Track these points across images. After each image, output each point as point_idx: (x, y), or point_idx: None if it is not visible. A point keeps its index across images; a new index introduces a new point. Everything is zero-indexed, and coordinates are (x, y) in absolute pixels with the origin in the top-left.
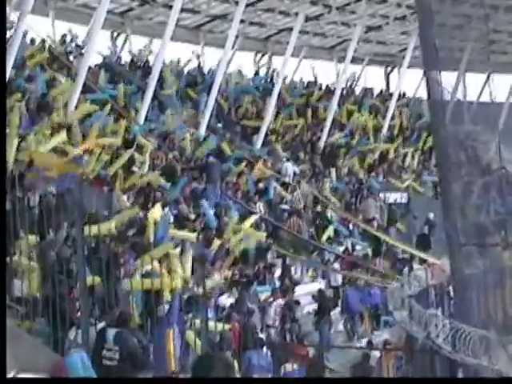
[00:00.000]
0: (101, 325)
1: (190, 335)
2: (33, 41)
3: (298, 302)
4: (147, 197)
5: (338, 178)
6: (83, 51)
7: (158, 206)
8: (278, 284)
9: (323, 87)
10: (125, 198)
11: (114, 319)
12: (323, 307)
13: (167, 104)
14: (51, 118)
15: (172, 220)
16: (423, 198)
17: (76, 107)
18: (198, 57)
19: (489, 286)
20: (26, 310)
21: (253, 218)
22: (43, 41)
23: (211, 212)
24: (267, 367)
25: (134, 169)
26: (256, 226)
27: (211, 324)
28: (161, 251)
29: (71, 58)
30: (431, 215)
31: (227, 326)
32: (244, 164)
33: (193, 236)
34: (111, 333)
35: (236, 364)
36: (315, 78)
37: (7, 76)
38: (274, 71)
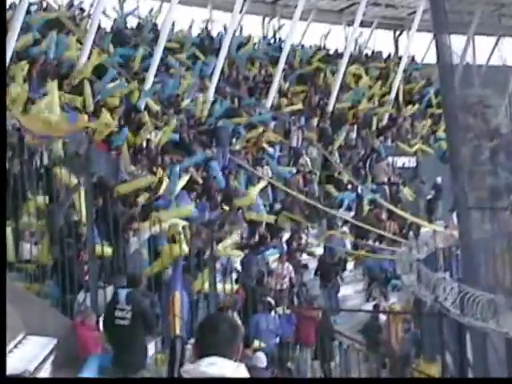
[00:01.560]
0: (109, 288)
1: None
2: (39, 4)
3: (305, 266)
4: (155, 161)
5: (345, 142)
6: (90, 14)
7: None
8: (285, 248)
9: (332, 51)
10: (131, 166)
11: (122, 282)
12: (326, 271)
13: (175, 68)
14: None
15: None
16: (431, 162)
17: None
18: (207, 22)
19: (497, 249)
20: (35, 273)
21: (260, 185)
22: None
23: (220, 174)
24: (276, 331)
25: (143, 133)
26: (263, 191)
27: (219, 287)
28: (170, 215)
29: (77, 21)
30: (439, 179)
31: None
32: (254, 130)
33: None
34: (123, 293)
35: (243, 328)
36: (324, 42)
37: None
38: (281, 35)
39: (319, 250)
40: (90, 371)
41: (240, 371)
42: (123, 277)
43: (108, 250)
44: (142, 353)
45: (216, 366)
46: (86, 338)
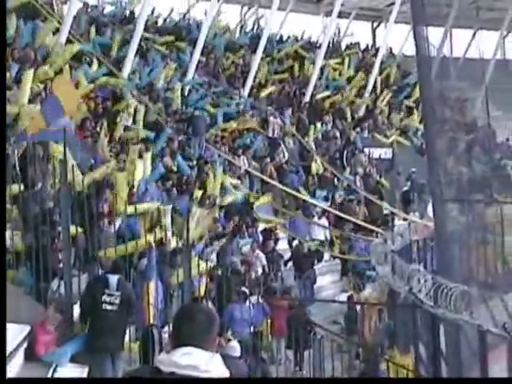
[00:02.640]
0: (84, 276)
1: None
2: None
3: (280, 256)
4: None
5: (322, 133)
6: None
7: (141, 160)
8: (260, 237)
9: (309, 41)
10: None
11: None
12: (300, 262)
13: (152, 56)
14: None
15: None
16: (407, 154)
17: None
18: (188, 11)
19: (471, 242)
20: (9, 260)
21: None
22: None
23: (183, 163)
24: (249, 320)
25: (119, 120)
26: (239, 179)
27: (194, 275)
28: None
29: (55, 7)
30: (414, 171)
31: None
32: (231, 120)
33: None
34: (114, 278)
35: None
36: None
37: None
38: (260, 25)
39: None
40: (64, 358)
41: (214, 361)
42: (97, 265)
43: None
44: (123, 337)
45: (190, 355)
46: (40, 341)
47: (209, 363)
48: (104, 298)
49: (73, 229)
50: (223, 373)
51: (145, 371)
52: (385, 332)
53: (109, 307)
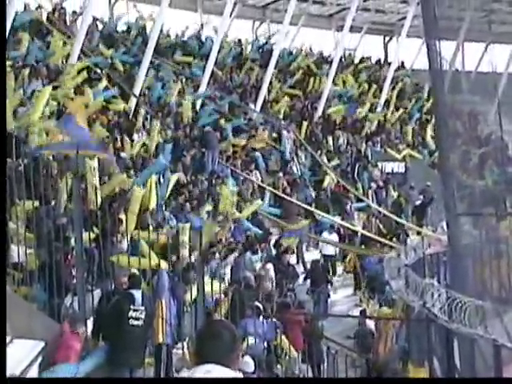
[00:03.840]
0: (97, 291)
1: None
2: (26, 7)
3: (294, 269)
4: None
5: (334, 147)
6: (80, 17)
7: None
8: (273, 252)
9: (321, 56)
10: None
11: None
12: (317, 277)
13: (164, 72)
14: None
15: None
16: (420, 168)
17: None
18: (202, 26)
19: (485, 255)
20: (23, 276)
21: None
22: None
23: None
24: (263, 336)
25: (134, 137)
26: (253, 194)
27: (207, 291)
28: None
29: (68, 23)
30: (428, 185)
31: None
32: (242, 135)
33: None
34: (138, 294)
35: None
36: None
37: None
38: (271, 40)
39: (308, 256)
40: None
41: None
42: (111, 280)
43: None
44: (144, 353)
45: (212, 373)
46: (72, 346)
47: (226, 374)
48: (130, 313)
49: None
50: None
51: None
52: (399, 352)
53: (135, 322)
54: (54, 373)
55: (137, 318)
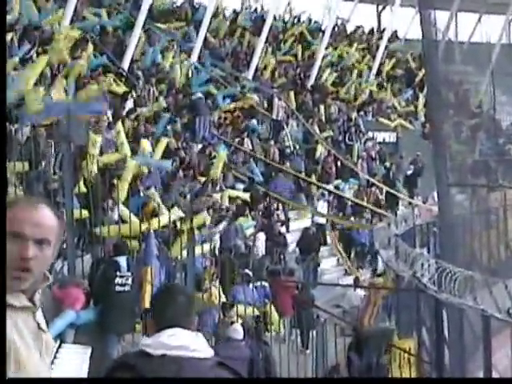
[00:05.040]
0: (87, 256)
1: None
2: None
3: (284, 239)
4: (134, 131)
5: (326, 116)
6: None
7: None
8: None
9: (314, 24)
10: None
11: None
12: (308, 245)
13: (156, 38)
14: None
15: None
16: (411, 138)
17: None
18: None
19: (475, 226)
20: None
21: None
22: None
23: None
24: (253, 303)
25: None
26: (244, 162)
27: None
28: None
29: None
30: (418, 155)
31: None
32: (233, 102)
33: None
34: (123, 259)
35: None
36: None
37: None
38: (264, 6)
39: (297, 224)
40: (62, 324)
41: (200, 340)
42: (101, 246)
43: (85, 213)
44: (133, 319)
45: (177, 336)
46: (78, 297)
47: (195, 342)
48: (117, 280)
49: (77, 211)
50: (210, 351)
51: (132, 356)
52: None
53: (121, 288)
54: (62, 319)
55: (123, 285)
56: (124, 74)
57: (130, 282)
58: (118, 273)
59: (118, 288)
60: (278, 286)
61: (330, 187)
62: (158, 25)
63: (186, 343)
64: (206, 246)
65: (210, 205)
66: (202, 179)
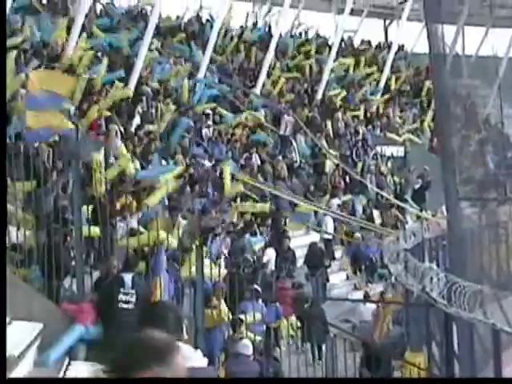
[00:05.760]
0: (96, 273)
1: None
2: None
3: (293, 254)
4: (146, 147)
5: (333, 130)
6: None
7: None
8: (271, 235)
9: (321, 39)
10: (122, 146)
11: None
12: (315, 260)
13: (164, 55)
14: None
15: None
16: (419, 152)
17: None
18: (201, 7)
19: (484, 240)
20: (22, 258)
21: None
22: None
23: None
24: (262, 319)
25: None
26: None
27: (206, 272)
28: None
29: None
30: (426, 169)
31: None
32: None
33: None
34: (129, 276)
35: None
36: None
37: None
38: (271, 23)
39: (307, 239)
40: (70, 340)
41: (197, 354)
42: (110, 262)
43: (96, 230)
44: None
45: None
46: (89, 312)
47: (193, 355)
48: (120, 297)
49: (85, 227)
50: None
51: None
52: (397, 337)
53: (125, 306)
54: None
55: (127, 302)
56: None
57: (133, 299)
58: (122, 289)
59: (121, 305)
60: (285, 303)
61: (338, 201)
62: (166, 41)
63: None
64: (215, 263)
65: (218, 222)
66: (211, 195)
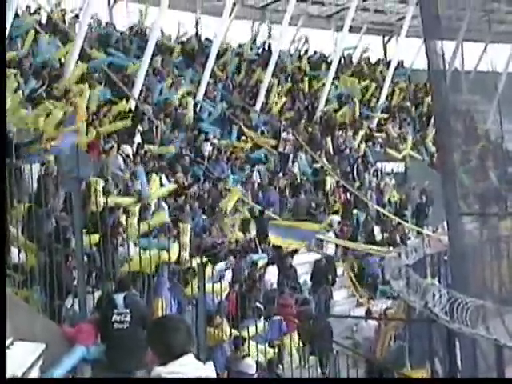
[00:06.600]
0: (98, 293)
1: None
2: (28, 7)
3: (295, 271)
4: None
5: (333, 147)
6: (80, 17)
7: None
8: (274, 253)
9: (321, 56)
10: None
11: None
12: (320, 276)
13: (164, 73)
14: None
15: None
16: (420, 168)
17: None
18: (197, 23)
19: (486, 255)
20: (23, 278)
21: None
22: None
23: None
24: (265, 337)
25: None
26: (253, 196)
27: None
28: (156, 221)
29: (67, 24)
30: (427, 185)
31: (224, 294)
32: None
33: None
34: (120, 297)
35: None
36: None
37: None
38: (270, 40)
39: (308, 256)
40: (71, 362)
41: (207, 369)
42: (112, 282)
43: (95, 237)
44: (139, 355)
45: (190, 364)
46: (91, 332)
47: (200, 366)
48: (114, 317)
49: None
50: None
51: None
52: (399, 353)
53: (120, 326)
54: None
55: (121, 322)
56: (132, 109)
57: (128, 319)
58: (115, 310)
59: (116, 326)
60: (289, 320)
61: (339, 219)
62: (165, 60)
63: (198, 366)
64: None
65: (219, 242)
66: (211, 213)
